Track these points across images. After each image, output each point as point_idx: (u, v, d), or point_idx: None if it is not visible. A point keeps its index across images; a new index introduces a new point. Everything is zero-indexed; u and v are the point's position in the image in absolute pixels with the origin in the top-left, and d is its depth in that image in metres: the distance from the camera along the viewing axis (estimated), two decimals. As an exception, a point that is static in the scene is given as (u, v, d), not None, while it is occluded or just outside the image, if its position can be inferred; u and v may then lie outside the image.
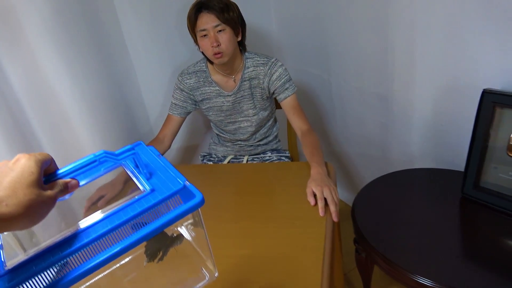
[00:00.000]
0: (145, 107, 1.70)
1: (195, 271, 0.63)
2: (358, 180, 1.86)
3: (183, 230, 0.61)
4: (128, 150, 0.53)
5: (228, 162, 1.57)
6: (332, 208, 1.04)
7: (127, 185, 0.55)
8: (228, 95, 1.43)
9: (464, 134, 1.28)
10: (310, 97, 1.93)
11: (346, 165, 1.89)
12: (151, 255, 0.58)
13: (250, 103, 1.44)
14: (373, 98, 1.54)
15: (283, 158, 1.56)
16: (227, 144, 1.59)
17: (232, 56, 1.33)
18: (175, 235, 0.60)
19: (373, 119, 1.59)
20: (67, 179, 0.48)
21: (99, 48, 1.41)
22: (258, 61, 1.40)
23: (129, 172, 0.54)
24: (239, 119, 1.49)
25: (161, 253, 0.58)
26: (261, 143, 1.56)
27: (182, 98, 1.46)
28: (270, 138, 1.58)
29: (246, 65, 1.40)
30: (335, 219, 1.03)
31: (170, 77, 1.69)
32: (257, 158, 1.58)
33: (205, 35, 1.28)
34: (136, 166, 0.54)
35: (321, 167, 1.17)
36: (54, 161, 0.49)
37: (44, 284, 0.42)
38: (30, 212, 0.41)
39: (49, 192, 0.44)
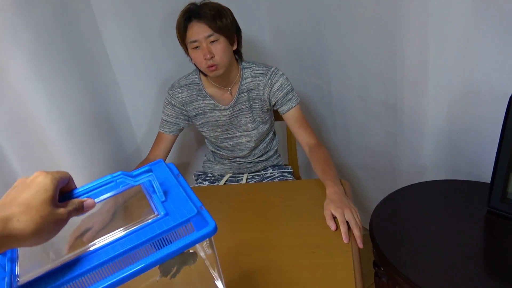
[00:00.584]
0: (131, 125, 1.55)
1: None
2: (364, 195, 1.75)
3: (199, 248, 0.61)
4: (146, 171, 0.55)
5: (226, 181, 1.44)
6: (356, 232, 0.92)
7: (131, 209, 0.55)
8: (224, 109, 1.30)
9: (483, 142, 1.19)
10: (308, 108, 1.82)
11: (349, 179, 1.78)
12: (165, 270, 0.58)
13: (249, 117, 1.32)
14: (378, 106, 1.44)
15: (286, 174, 1.43)
16: (224, 162, 1.46)
17: (227, 67, 1.21)
18: (191, 251, 0.60)
19: (379, 129, 1.49)
20: (83, 198, 0.49)
21: (78, 61, 1.26)
22: (256, 71, 1.28)
23: (145, 193, 0.54)
24: (237, 134, 1.36)
25: (175, 269, 0.58)
26: (261, 159, 1.43)
27: (173, 114, 1.32)
28: (270, 153, 1.45)
29: (244, 76, 1.28)
30: (360, 245, 0.91)
31: (158, 91, 1.55)
32: (258, 175, 1.45)
33: (196, 47, 1.16)
34: (153, 187, 0.53)
35: (337, 185, 1.05)
36: (72, 179, 0.50)
37: None
38: (41, 229, 0.41)
39: (61, 210, 0.45)
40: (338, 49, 1.50)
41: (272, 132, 1.45)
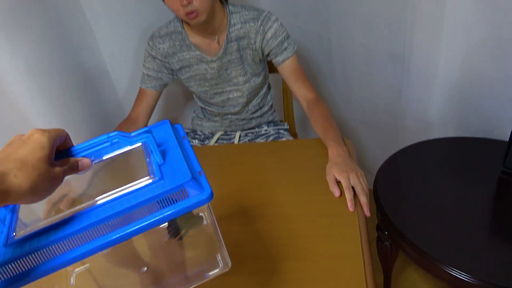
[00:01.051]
0: (111, 79, 1.40)
1: (211, 257, 0.61)
2: (364, 153, 1.66)
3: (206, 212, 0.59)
4: (145, 131, 0.52)
5: (217, 139, 1.33)
6: (363, 199, 0.83)
7: (129, 168, 0.53)
8: (211, 61, 1.16)
9: (500, 95, 1.08)
10: (305, 58, 1.67)
11: (348, 135, 1.68)
12: (173, 231, 0.57)
13: (240, 69, 1.18)
14: (384, 56, 1.31)
15: (282, 131, 1.32)
16: (215, 119, 1.33)
17: (210, 11, 1.04)
18: (200, 214, 0.58)
19: (383, 81, 1.37)
20: (79, 158, 0.49)
21: (46, 9, 1.09)
22: (246, 15, 1.12)
23: (145, 154, 0.52)
24: (228, 88, 1.23)
25: (183, 232, 0.57)
26: (254, 115, 1.31)
27: (155, 68, 1.17)
28: (265, 109, 1.33)
29: (232, 22, 1.12)
30: (367, 213, 0.83)
31: (138, 42, 1.39)
32: (251, 133, 1.34)
33: None
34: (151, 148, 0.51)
35: (340, 146, 0.94)
36: (69, 137, 0.50)
37: (45, 259, 0.43)
38: (37, 186, 0.41)
39: (57, 169, 0.45)
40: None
41: (266, 86, 1.32)
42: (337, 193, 0.86)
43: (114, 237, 0.44)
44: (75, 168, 0.48)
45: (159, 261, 0.65)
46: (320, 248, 0.77)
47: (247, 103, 1.27)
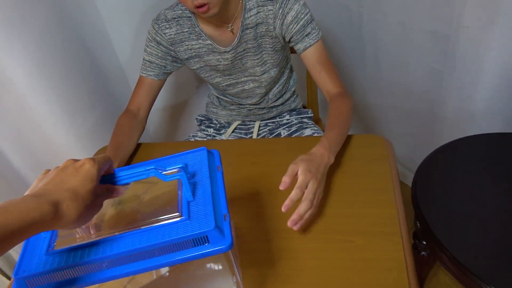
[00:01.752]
0: (118, 58, 1.27)
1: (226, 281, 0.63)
2: (393, 139, 1.51)
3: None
4: (181, 167, 0.52)
5: (235, 129, 1.20)
6: (301, 208, 0.68)
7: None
8: (225, 52, 1.01)
9: None
10: (330, 33, 1.50)
11: (377, 122, 1.54)
12: None
13: (257, 58, 1.03)
14: (425, 37, 1.15)
15: (306, 120, 1.19)
16: (231, 108, 1.20)
17: (224, 1, 0.88)
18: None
19: (422, 64, 1.21)
20: (117, 186, 0.53)
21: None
22: None
23: (178, 187, 0.54)
24: (242, 79, 1.08)
25: None
26: (275, 104, 1.18)
27: (159, 54, 1.01)
28: (286, 96, 1.19)
29: (247, 7, 0.96)
30: (294, 227, 0.68)
31: (140, 21, 1.23)
32: (272, 122, 1.21)
33: None
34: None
35: (330, 149, 0.79)
36: (112, 164, 0.53)
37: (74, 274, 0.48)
38: (83, 216, 0.45)
39: (100, 199, 0.49)
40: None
41: (288, 70, 1.17)
42: (283, 185, 0.69)
43: (134, 269, 0.49)
44: (110, 194, 0.52)
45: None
46: (356, 277, 0.66)
47: (266, 93, 1.13)
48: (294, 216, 0.67)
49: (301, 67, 1.29)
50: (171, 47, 1.01)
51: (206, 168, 0.57)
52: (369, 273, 0.66)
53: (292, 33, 0.96)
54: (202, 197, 0.53)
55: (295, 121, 1.19)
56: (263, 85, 1.08)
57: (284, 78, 1.15)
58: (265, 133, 1.20)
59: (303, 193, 0.69)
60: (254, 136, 1.18)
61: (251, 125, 1.21)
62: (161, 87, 1.07)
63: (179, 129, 1.57)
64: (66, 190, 0.44)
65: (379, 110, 1.50)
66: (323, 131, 1.22)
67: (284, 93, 1.18)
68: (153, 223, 0.50)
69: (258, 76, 1.06)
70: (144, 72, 1.03)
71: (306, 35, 0.96)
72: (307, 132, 1.13)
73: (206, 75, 1.08)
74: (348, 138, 0.93)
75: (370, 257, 0.69)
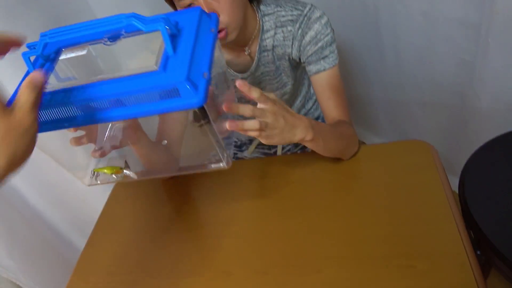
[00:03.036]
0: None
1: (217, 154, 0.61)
2: (421, 136, 1.44)
3: None
4: (163, 18, 0.50)
5: (256, 147, 1.12)
6: (245, 124, 0.60)
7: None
8: (242, 78, 0.92)
9: None
10: (344, 30, 1.42)
11: (402, 117, 1.47)
12: (196, 116, 0.55)
13: (276, 82, 0.95)
14: (452, 25, 1.07)
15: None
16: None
17: (242, 24, 0.80)
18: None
19: (449, 55, 1.13)
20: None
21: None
22: (283, 17, 0.86)
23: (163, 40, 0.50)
24: None
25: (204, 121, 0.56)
26: (298, 116, 1.09)
27: None
28: (309, 105, 1.11)
29: (264, 28, 0.87)
30: (225, 107, 0.59)
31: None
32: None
33: (189, 4, 0.75)
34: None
35: (313, 126, 0.69)
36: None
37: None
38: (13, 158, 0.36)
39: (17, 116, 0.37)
40: None
41: (306, 79, 1.08)
42: (227, 126, 0.58)
43: (103, 116, 0.50)
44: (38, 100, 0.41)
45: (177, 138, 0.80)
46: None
47: None
48: (235, 122, 0.58)
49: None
50: None
51: (195, 25, 0.54)
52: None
53: (308, 54, 0.86)
54: (183, 53, 0.50)
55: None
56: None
57: (305, 89, 1.07)
58: (290, 146, 1.12)
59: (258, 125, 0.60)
60: (279, 152, 1.10)
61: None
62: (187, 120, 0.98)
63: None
64: None
65: (404, 106, 1.42)
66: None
67: (306, 102, 1.10)
68: (128, 73, 0.49)
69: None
70: None
71: (322, 58, 0.86)
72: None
73: (223, 98, 1.00)
74: (386, 146, 0.87)
75: (436, 285, 0.62)
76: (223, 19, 0.74)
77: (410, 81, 1.32)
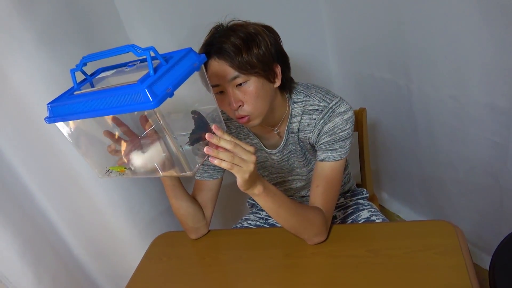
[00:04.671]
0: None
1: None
2: (456, 214, 1.42)
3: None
4: (150, 48, 0.64)
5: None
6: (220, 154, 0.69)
7: None
8: (271, 153, 1.02)
9: None
10: (377, 108, 1.50)
11: (437, 193, 1.46)
12: (191, 140, 0.73)
13: (302, 160, 1.03)
14: (480, 109, 1.10)
15: (361, 201, 1.15)
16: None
17: (267, 112, 0.89)
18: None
19: (480, 137, 1.15)
20: None
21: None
22: (310, 106, 0.94)
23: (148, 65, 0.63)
24: (289, 178, 1.08)
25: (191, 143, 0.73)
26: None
27: None
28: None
29: (293, 113, 0.96)
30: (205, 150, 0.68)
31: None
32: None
33: (221, 92, 0.87)
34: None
35: (270, 187, 0.81)
36: None
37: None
38: None
39: None
40: (424, 39, 1.16)
41: None
42: (204, 150, 0.68)
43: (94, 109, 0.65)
44: None
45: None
46: None
47: None
48: (211, 149, 0.68)
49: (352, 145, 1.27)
50: None
51: (178, 59, 0.66)
52: None
53: (321, 142, 0.93)
54: (159, 74, 0.62)
55: (351, 203, 1.15)
56: (310, 181, 1.02)
57: None
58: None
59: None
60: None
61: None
62: (220, 186, 1.06)
63: (231, 212, 1.58)
64: None
65: (439, 184, 1.42)
66: (380, 210, 1.16)
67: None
68: (117, 85, 0.63)
69: (304, 176, 1.06)
70: (199, 175, 1.03)
71: (331, 150, 0.92)
72: (364, 214, 1.08)
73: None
74: (411, 225, 0.89)
75: None
76: (246, 108, 0.85)
77: (444, 159, 1.34)
